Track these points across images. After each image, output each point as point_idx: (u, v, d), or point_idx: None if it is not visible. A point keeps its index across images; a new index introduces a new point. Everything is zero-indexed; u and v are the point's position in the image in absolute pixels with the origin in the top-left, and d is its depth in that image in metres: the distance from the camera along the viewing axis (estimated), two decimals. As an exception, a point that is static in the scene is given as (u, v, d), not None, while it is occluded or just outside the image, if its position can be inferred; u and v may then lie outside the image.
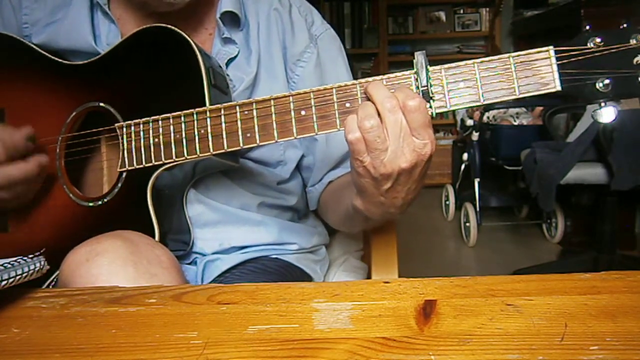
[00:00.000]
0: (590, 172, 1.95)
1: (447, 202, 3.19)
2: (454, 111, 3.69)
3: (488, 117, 2.91)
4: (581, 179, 1.95)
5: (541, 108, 2.68)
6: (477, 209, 2.71)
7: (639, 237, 2.54)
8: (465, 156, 2.87)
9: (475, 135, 2.76)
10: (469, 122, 2.83)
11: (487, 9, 4.06)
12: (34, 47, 0.82)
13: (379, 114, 0.56)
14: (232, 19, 0.82)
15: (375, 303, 0.47)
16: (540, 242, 2.78)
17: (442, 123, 4.07)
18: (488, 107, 2.71)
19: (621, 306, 0.44)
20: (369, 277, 0.95)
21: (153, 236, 0.69)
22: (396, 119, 0.55)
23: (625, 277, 0.49)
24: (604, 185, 1.95)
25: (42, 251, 0.56)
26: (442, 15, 4.12)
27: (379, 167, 0.57)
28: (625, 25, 0.55)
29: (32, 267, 0.52)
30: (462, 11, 4.12)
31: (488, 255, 2.66)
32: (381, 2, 3.99)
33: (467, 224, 2.77)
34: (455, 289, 0.49)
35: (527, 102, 2.84)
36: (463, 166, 2.91)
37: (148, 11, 0.80)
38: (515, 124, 2.83)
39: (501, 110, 2.90)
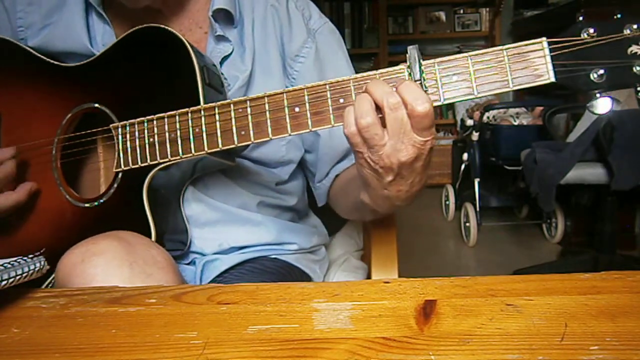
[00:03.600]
0: (590, 172, 1.94)
1: (447, 202, 3.19)
2: (454, 111, 3.69)
3: (488, 117, 2.90)
4: (581, 179, 1.95)
5: (541, 108, 2.68)
6: (477, 209, 2.71)
7: (639, 237, 2.54)
8: (465, 156, 2.87)
9: (475, 135, 2.76)
10: (469, 122, 2.83)
11: (487, 9, 4.06)
12: (29, 49, 0.81)
13: (378, 107, 0.55)
14: (226, 17, 0.81)
15: (375, 303, 0.47)
16: (540, 242, 2.78)
17: (442, 123, 4.06)
18: (488, 107, 2.71)
19: (621, 306, 0.44)
20: (369, 277, 0.95)
21: (149, 236, 0.69)
22: (396, 116, 0.55)
23: (625, 277, 0.49)
24: (604, 185, 1.94)
25: (42, 251, 0.56)
26: (442, 15, 4.12)
27: (378, 160, 0.57)
28: (618, 15, 0.55)
29: (32, 267, 0.52)
30: (462, 11, 4.12)
31: (488, 255, 2.66)
32: (381, 2, 4.00)
33: (467, 224, 2.77)
34: (455, 289, 0.49)
35: (527, 102, 2.83)
36: (463, 166, 2.91)
37: (128, 9, 0.78)
38: (515, 124, 2.83)
39: (501, 110, 2.90)
